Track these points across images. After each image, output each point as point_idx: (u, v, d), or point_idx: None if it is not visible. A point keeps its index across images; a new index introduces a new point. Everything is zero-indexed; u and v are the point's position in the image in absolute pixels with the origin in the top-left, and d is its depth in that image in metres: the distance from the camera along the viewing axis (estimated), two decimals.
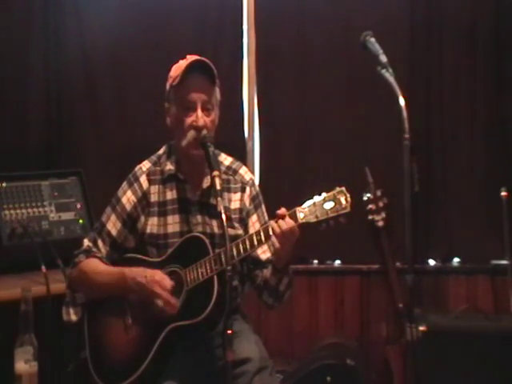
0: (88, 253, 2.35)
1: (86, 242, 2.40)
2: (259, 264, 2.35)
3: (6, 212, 2.99)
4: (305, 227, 2.13)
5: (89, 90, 3.71)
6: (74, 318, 2.36)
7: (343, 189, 2.12)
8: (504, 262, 3.44)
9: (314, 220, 2.11)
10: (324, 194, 2.12)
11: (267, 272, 2.29)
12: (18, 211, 3.03)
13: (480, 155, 3.72)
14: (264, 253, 2.35)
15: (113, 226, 2.36)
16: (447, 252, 3.74)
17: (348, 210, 2.10)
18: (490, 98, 3.71)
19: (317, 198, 2.13)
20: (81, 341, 2.37)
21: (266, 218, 2.41)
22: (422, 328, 3.16)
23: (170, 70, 2.41)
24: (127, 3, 3.70)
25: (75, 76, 3.69)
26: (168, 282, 2.18)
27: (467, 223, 3.70)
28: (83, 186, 3.25)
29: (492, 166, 3.70)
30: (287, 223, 2.11)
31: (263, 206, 2.44)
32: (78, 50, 3.68)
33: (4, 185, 3.05)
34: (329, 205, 2.10)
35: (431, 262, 3.74)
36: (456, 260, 3.76)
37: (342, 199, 2.10)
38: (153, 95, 3.64)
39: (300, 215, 2.12)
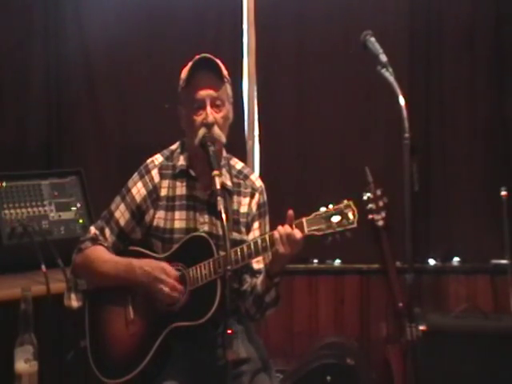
0: (94, 241, 2.34)
1: (93, 230, 2.37)
2: (250, 271, 2.34)
3: (6, 211, 2.99)
4: (310, 237, 2.12)
5: (89, 90, 3.71)
6: (75, 304, 2.35)
7: (351, 203, 2.11)
8: (504, 261, 3.44)
9: (321, 233, 2.10)
10: (331, 206, 2.12)
11: (257, 281, 2.28)
12: (18, 211, 3.03)
13: (480, 155, 3.72)
14: (257, 262, 2.33)
15: (121, 215, 2.34)
16: (447, 251, 3.75)
17: (355, 225, 2.09)
18: (490, 98, 3.71)
19: (323, 210, 2.12)
20: (81, 329, 2.36)
21: (268, 229, 2.40)
22: (421, 328, 3.16)
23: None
24: (127, 3, 3.70)
25: (75, 76, 3.69)
26: (171, 273, 2.19)
27: (467, 223, 3.71)
28: (83, 185, 3.25)
29: (492, 165, 3.70)
30: (294, 232, 2.10)
31: (267, 218, 2.43)
32: (78, 50, 3.68)
33: (4, 184, 3.04)
34: (336, 218, 2.10)
35: (431, 262, 3.74)
36: (456, 259, 3.76)
37: (350, 214, 2.10)
38: (153, 95, 3.68)
39: (306, 227, 2.11)
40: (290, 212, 2.13)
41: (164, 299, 2.19)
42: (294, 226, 2.11)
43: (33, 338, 1.84)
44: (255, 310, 2.29)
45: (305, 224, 2.11)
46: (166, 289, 2.16)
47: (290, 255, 2.12)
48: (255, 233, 2.36)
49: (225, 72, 2.30)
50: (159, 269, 2.19)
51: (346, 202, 2.12)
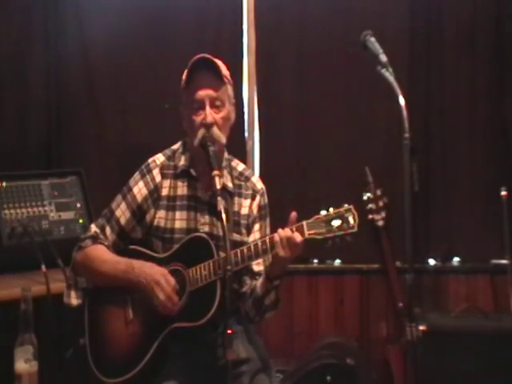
0: (95, 239, 2.33)
1: (94, 228, 2.37)
2: (250, 273, 2.34)
3: (6, 211, 2.99)
4: (310, 241, 2.12)
5: (89, 90, 3.71)
6: (74, 302, 2.35)
7: (351, 207, 2.12)
8: (504, 261, 3.44)
9: (321, 237, 2.11)
10: (331, 210, 2.12)
11: (257, 283, 2.28)
12: (18, 211, 3.03)
13: (480, 155, 3.72)
14: (257, 265, 2.33)
15: (122, 214, 2.34)
16: (447, 251, 3.74)
17: (355, 229, 2.09)
18: (490, 98, 3.71)
19: (324, 214, 2.12)
20: (80, 327, 2.36)
21: (268, 231, 2.40)
22: (422, 328, 3.16)
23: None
24: (127, 4, 3.70)
25: (75, 76, 3.69)
26: (171, 281, 2.17)
27: (467, 223, 3.70)
28: (83, 185, 3.25)
29: (492, 165, 3.70)
30: (294, 235, 2.10)
31: (268, 220, 2.44)
32: (78, 50, 3.68)
33: (4, 184, 3.04)
34: (336, 222, 2.10)
35: (431, 262, 3.74)
36: (456, 259, 3.76)
37: (350, 218, 2.10)
38: (153, 95, 3.67)
39: (307, 230, 2.11)
40: (294, 214, 2.13)
41: (159, 306, 2.17)
42: (294, 229, 2.11)
43: (33, 338, 1.84)
44: (255, 313, 2.29)
45: (305, 227, 2.11)
46: (163, 296, 2.15)
47: (290, 258, 2.12)
48: (256, 235, 2.37)
49: (225, 72, 2.30)
50: (160, 273, 2.18)
51: (346, 206, 2.12)
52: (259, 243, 2.15)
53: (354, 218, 2.10)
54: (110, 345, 2.31)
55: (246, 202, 2.38)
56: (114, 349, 2.30)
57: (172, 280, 2.18)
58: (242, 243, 2.25)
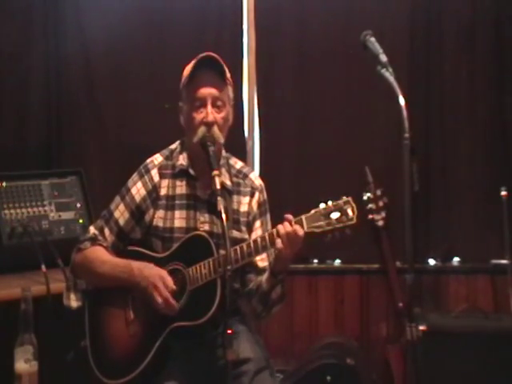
0: (93, 241, 2.34)
1: (92, 230, 2.38)
2: (255, 270, 2.34)
3: (6, 211, 2.99)
4: (309, 235, 2.12)
5: (89, 90, 3.71)
6: (74, 304, 2.36)
7: (350, 199, 2.12)
8: (504, 261, 3.44)
9: (320, 230, 2.11)
10: (330, 203, 2.12)
11: (262, 278, 2.28)
12: (18, 211, 3.03)
13: (480, 155, 3.72)
14: (262, 260, 2.34)
15: (121, 215, 2.34)
16: (447, 252, 3.74)
17: (354, 221, 2.10)
18: (490, 98, 3.71)
19: (323, 207, 2.12)
20: (81, 329, 2.36)
21: (269, 227, 2.40)
22: (422, 328, 3.16)
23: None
24: (127, 3, 3.70)
25: (75, 76, 3.69)
26: (169, 284, 2.18)
27: (467, 223, 3.71)
28: (83, 185, 3.25)
29: (492, 166, 3.70)
30: (294, 228, 2.10)
31: (268, 216, 2.44)
32: (78, 50, 3.68)
33: (4, 184, 3.05)
34: (335, 215, 2.10)
35: (431, 262, 3.74)
36: (456, 259, 3.76)
37: (349, 210, 2.10)
38: (153, 95, 3.67)
39: (306, 224, 2.11)
40: (289, 216, 2.13)
41: (157, 307, 2.18)
42: (293, 223, 2.11)
43: (33, 338, 1.84)
44: (262, 308, 2.30)
45: (304, 221, 2.12)
46: (160, 299, 2.15)
47: (290, 253, 2.13)
48: (258, 232, 2.37)
49: (228, 74, 2.31)
50: (153, 286, 2.17)
51: (345, 198, 2.13)
52: (259, 240, 2.16)
53: (352, 210, 2.10)
54: (111, 346, 2.31)
55: (245, 200, 2.38)
56: (115, 350, 2.30)
57: (170, 282, 2.18)
58: (242, 240, 2.26)
